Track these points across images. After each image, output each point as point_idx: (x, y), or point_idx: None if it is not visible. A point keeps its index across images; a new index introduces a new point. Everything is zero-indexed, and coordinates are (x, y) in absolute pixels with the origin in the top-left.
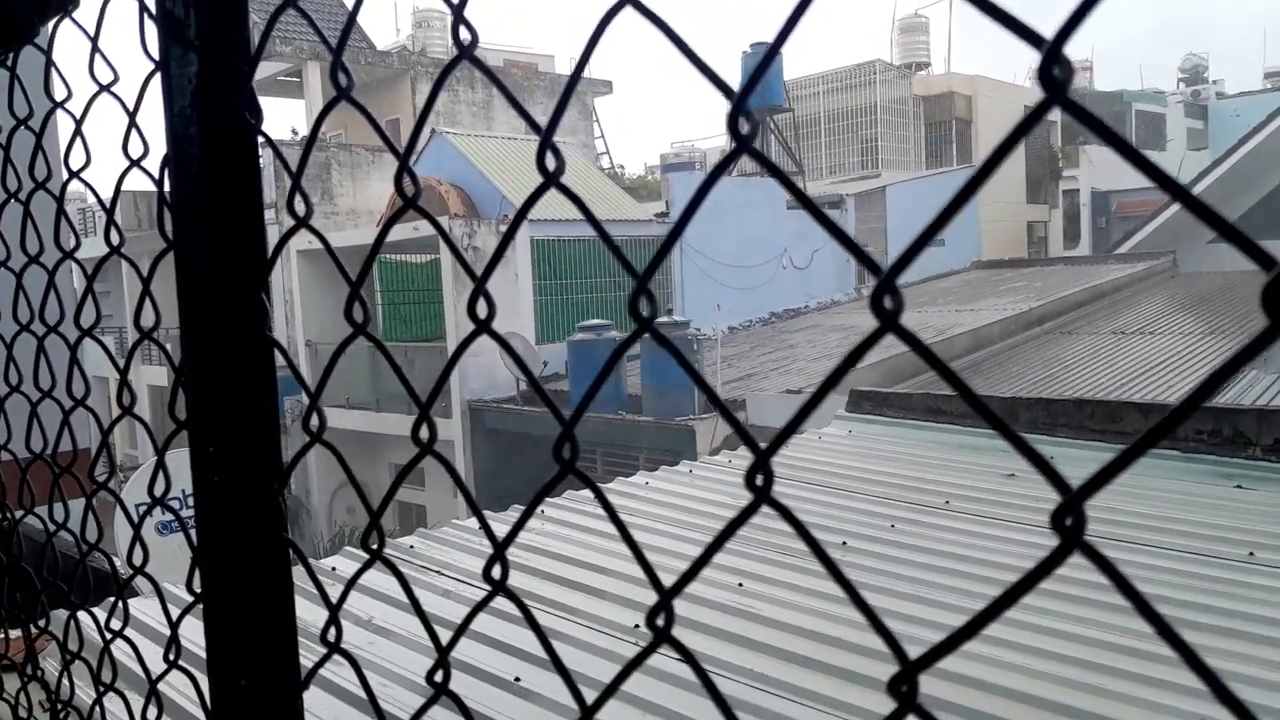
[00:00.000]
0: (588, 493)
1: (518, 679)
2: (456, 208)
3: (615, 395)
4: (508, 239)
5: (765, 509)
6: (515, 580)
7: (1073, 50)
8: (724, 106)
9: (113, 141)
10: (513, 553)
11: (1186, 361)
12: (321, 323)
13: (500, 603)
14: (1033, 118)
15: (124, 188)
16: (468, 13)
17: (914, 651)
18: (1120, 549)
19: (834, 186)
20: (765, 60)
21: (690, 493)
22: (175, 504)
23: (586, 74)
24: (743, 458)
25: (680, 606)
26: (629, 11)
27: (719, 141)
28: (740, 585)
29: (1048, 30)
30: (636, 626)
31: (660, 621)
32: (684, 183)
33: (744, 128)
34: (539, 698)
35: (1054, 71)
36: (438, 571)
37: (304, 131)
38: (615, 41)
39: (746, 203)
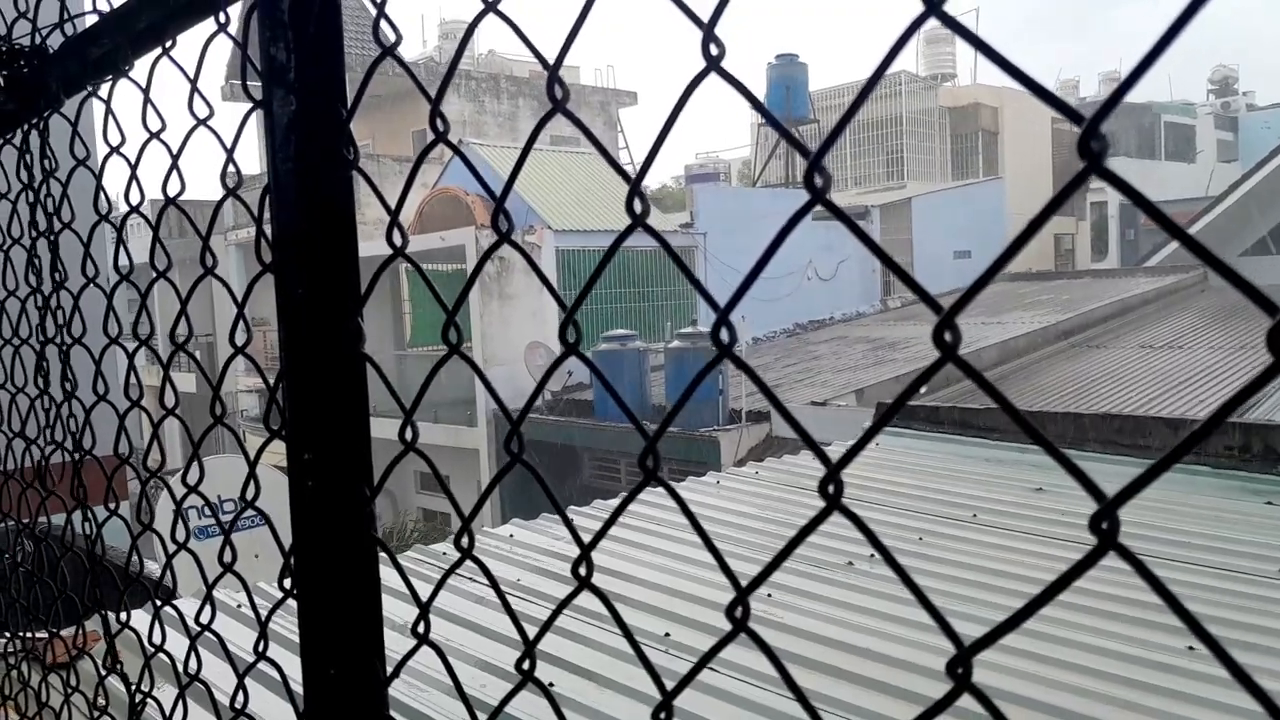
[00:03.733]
0: (614, 503)
1: (551, 684)
2: (482, 218)
3: (639, 406)
4: (603, 265)
5: (774, 523)
6: (541, 585)
7: (1101, 63)
8: (748, 118)
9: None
10: (539, 559)
11: (1216, 376)
12: None
13: (529, 609)
14: (1071, 186)
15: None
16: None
17: (941, 664)
18: (1148, 563)
19: (859, 198)
20: (849, 111)
21: (717, 503)
22: (214, 509)
23: (611, 85)
24: (769, 469)
25: (711, 616)
26: (654, 22)
27: (743, 153)
28: (769, 595)
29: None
30: (667, 635)
31: (738, 614)
32: (708, 194)
33: (818, 181)
34: (571, 702)
35: (1092, 145)
36: (469, 578)
37: None
38: (639, 52)
39: (771, 214)
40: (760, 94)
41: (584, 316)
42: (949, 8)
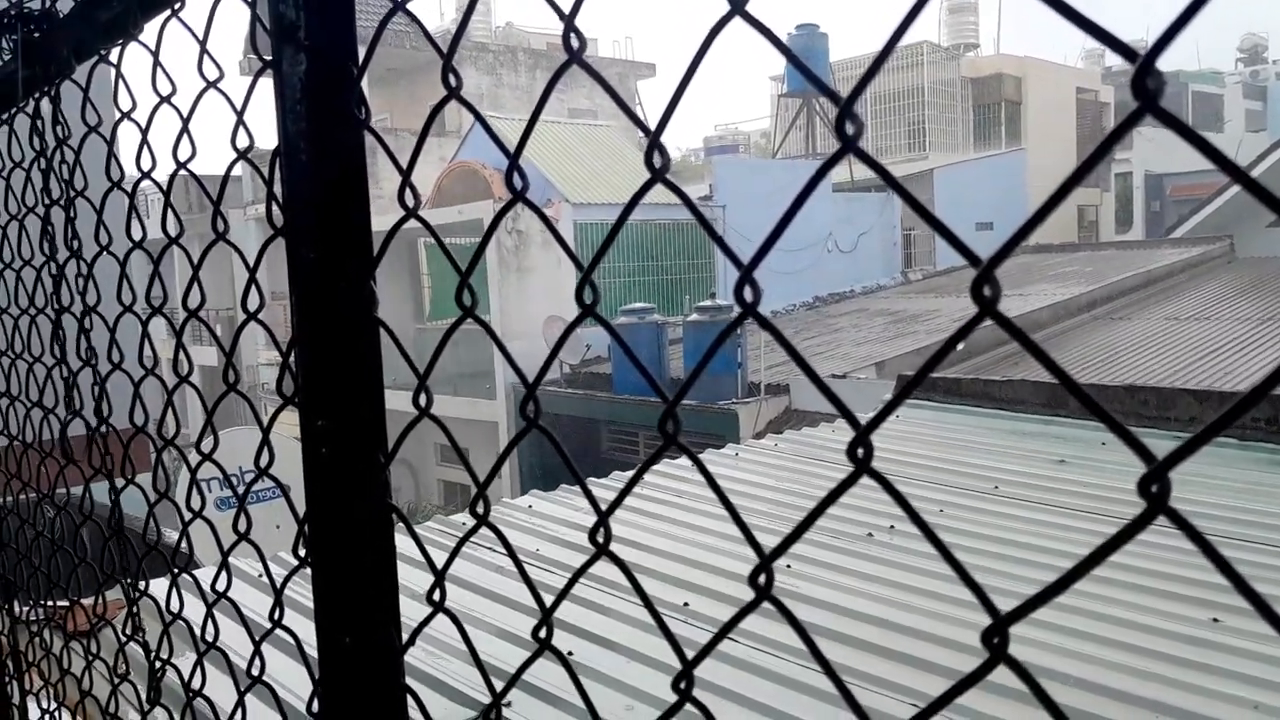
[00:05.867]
0: (632, 474)
1: (570, 653)
2: (500, 192)
3: (657, 380)
4: (622, 219)
5: (793, 494)
6: (560, 556)
7: (1127, 30)
8: (768, 89)
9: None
10: (557, 530)
11: (1243, 348)
12: None
13: (548, 579)
14: (1126, 124)
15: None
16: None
17: (967, 637)
18: (1177, 536)
19: None
20: (873, 67)
21: (737, 475)
22: (234, 480)
23: (629, 57)
24: (788, 441)
25: (731, 587)
26: None
27: (762, 124)
28: (789, 567)
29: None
30: (686, 605)
31: (761, 580)
32: (727, 166)
33: (850, 129)
34: (591, 671)
35: (1147, 83)
36: (489, 547)
37: None
38: (658, 24)
39: (791, 185)
40: (779, 65)
41: (603, 290)
42: None
